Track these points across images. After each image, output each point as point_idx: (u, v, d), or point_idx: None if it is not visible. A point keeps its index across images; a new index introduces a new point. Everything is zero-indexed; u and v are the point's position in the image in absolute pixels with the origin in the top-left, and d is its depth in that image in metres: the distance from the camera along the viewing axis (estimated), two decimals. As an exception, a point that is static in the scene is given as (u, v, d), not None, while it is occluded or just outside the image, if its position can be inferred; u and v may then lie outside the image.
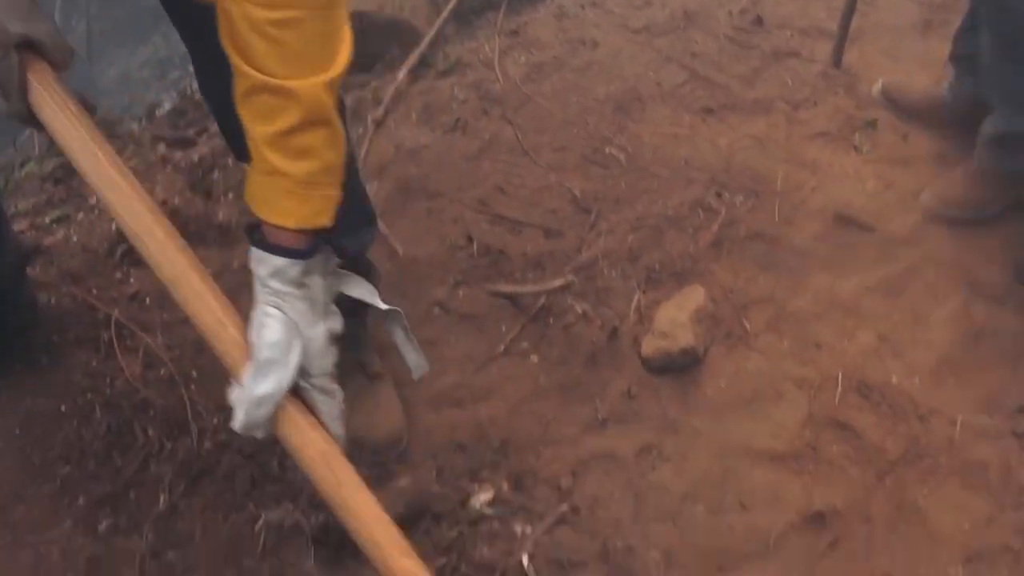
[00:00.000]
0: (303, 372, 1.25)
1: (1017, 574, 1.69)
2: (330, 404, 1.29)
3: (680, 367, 1.96)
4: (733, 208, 2.26)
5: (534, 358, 1.99)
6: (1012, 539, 1.73)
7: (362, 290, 1.40)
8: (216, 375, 1.92)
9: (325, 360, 1.28)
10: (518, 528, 1.73)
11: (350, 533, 1.27)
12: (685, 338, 1.93)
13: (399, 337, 1.44)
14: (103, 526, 1.69)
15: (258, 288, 1.25)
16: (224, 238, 2.16)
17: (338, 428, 1.29)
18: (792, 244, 2.22)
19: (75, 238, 2.14)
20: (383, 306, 1.39)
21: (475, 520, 1.73)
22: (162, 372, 1.92)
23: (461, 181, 2.29)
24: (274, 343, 1.22)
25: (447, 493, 1.76)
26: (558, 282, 2.02)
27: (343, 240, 1.66)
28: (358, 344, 1.87)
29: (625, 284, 2.09)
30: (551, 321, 2.03)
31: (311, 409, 1.28)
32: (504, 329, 2.03)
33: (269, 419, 1.24)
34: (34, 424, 1.82)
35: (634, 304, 2.05)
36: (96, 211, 2.20)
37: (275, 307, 1.24)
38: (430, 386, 1.93)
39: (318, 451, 1.25)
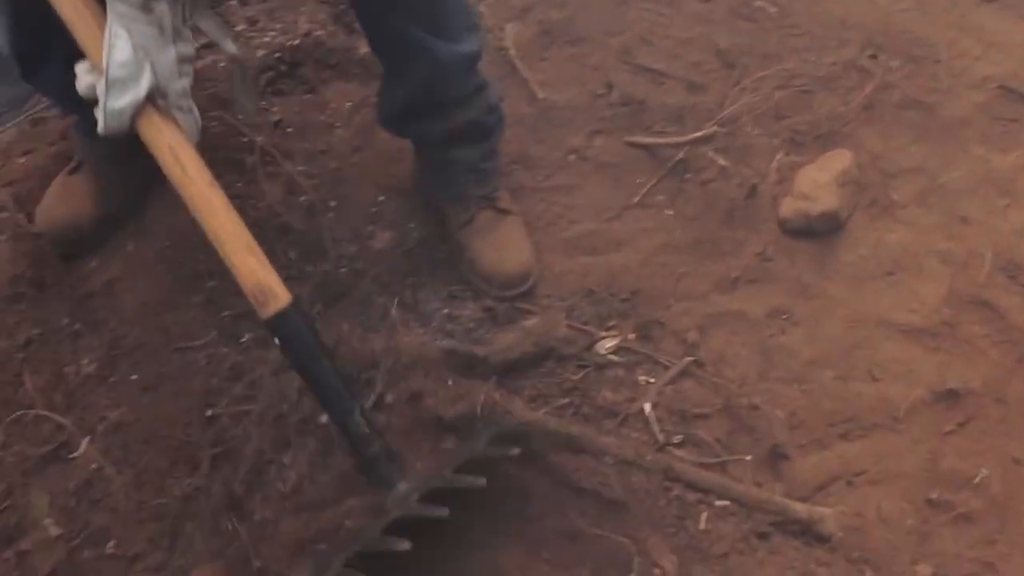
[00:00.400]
0: (159, 93, 1.32)
1: None
2: (188, 120, 1.37)
3: (819, 231, 1.90)
4: (888, 72, 2.15)
5: (669, 212, 1.96)
6: None
7: (214, 27, 1.44)
8: (355, 204, 1.98)
9: (178, 83, 1.34)
10: (641, 377, 1.74)
11: (201, 227, 1.36)
12: (827, 201, 1.87)
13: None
14: (246, 338, 1.77)
15: (108, 9, 1.28)
16: (365, 72, 2.16)
17: (194, 137, 1.38)
18: (949, 114, 2.10)
19: (222, 64, 2.17)
20: (232, 49, 1.45)
21: (600, 365, 1.75)
22: (302, 200, 1.96)
23: (605, 28, 2.22)
24: (123, 63, 1.28)
25: (574, 337, 1.78)
26: (700, 133, 1.97)
27: (447, 48, 1.67)
28: (487, 178, 1.88)
29: (768, 143, 2.02)
30: (688, 176, 1.99)
31: None
32: (640, 180, 2.00)
33: (127, 126, 1.32)
34: (183, 239, 1.89)
35: (775, 164, 1.98)
36: (242, 39, 2.23)
37: (124, 29, 1.28)
38: (562, 232, 1.93)
39: (168, 146, 1.33)
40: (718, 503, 1.54)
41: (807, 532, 1.51)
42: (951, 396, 1.71)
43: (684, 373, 1.74)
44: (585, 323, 1.81)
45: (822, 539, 1.51)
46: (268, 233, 1.88)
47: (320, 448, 1.56)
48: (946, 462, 1.65)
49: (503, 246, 1.85)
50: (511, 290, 1.84)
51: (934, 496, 1.61)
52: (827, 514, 1.50)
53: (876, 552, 1.52)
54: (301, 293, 1.81)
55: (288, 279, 1.81)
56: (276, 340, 1.37)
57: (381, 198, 1.98)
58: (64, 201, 1.92)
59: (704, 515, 1.52)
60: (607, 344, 1.78)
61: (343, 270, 1.87)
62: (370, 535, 1.32)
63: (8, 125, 2.24)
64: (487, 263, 1.84)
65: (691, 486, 1.55)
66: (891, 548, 1.54)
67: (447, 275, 1.88)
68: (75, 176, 1.93)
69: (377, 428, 1.41)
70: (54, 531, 1.59)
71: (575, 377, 1.73)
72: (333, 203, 1.96)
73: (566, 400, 1.70)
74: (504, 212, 1.89)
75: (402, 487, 1.39)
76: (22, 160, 2.08)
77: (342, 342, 1.67)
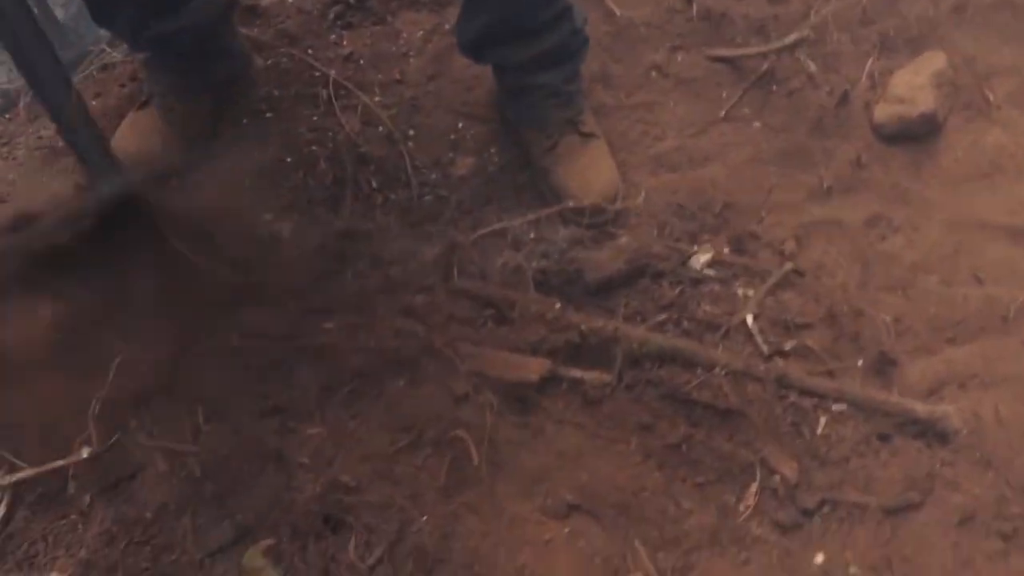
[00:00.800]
0: None
1: None
2: None
3: (915, 135, 1.84)
4: (979, -28, 2.07)
5: (756, 124, 1.91)
6: None
7: None
8: (433, 132, 1.95)
9: None
10: (739, 290, 1.70)
11: None
12: (925, 102, 1.81)
13: None
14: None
15: None
16: (435, 1, 2.12)
17: None
18: (1042, 13, 2.03)
19: (289, 0, 2.14)
20: None
21: (696, 281, 1.71)
22: (380, 130, 1.93)
23: (678, -58, 2.16)
24: None
25: (667, 253, 1.74)
26: (786, 40, 1.90)
27: None
28: (570, 101, 1.84)
29: (856, 49, 1.96)
30: (774, 87, 1.93)
31: None
32: (724, 95, 1.95)
33: None
34: (263, 174, 1.88)
35: (867, 69, 1.92)
36: (308, -28, 2.19)
37: None
38: (648, 149, 1.89)
39: None
40: (835, 408, 1.50)
41: (927, 433, 1.47)
42: (1060, 297, 1.66)
43: (783, 283, 1.69)
44: (677, 239, 1.76)
45: (943, 439, 1.46)
46: (348, 163, 1.87)
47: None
48: (1060, 362, 1.60)
49: (587, 169, 1.81)
50: (599, 214, 1.78)
51: (1050, 398, 1.57)
52: (950, 411, 1.46)
53: (995, 454, 1.48)
54: (387, 223, 1.80)
55: (372, 207, 1.83)
56: None
57: (460, 125, 1.95)
58: (134, 136, 1.90)
59: (822, 420, 1.49)
60: (701, 259, 1.74)
61: (427, 197, 1.84)
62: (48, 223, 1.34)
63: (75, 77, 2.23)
64: (572, 189, 1.80)
65: (806, 392, 1.51)
66: (1010, 450, 1.49)
67: (531, 200, 1.85)
68: (144, 111, 1.91)
69: (89, 118, 1.41)
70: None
71: (672, 293, 1.69)
72: (411, 132, 1.93)
73: (664, 316, 1.66)
74: (588, 136, 1.84)
75: (111, 180, 1.39)
76: (94, 102, 2.06)
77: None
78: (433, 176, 1.87)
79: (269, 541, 1.44)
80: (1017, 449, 1.49)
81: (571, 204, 1.78)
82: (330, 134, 1.91)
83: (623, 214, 1.80)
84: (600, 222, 1.79)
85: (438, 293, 1.60)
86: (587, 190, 1.79)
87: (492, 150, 1.92)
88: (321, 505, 1.42)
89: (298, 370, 1.57)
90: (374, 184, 1.84)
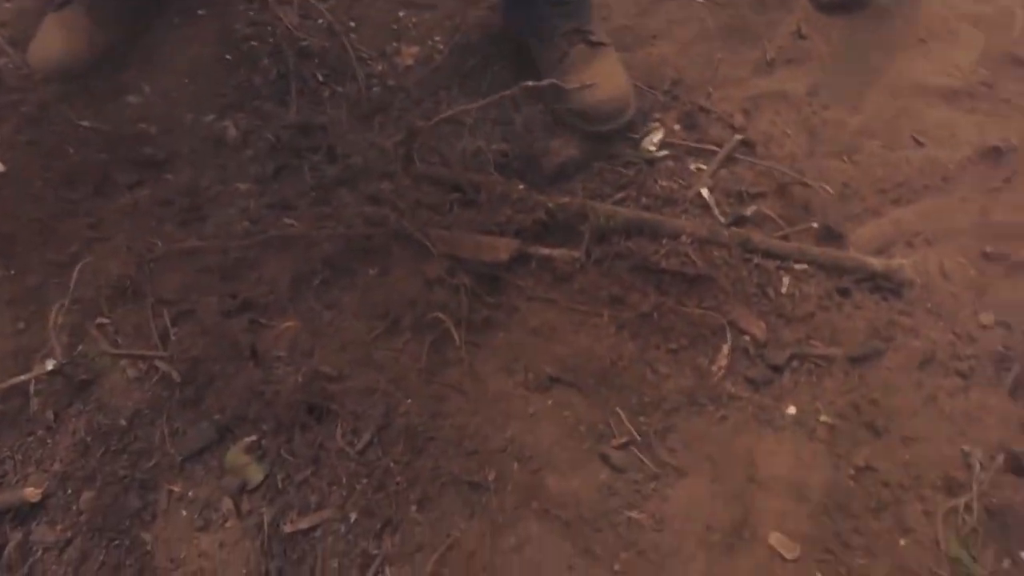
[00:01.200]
0: None
1: None
2: None
3: (851, 3, 1.88)
4: None
5: (700, 0, 1.92)
6: None
7: None
8: (375, 23, 1.90)
9: None
10: (693, 165, 1.73)
11: None
12: (862, -31, 1.85)
13: None
14: (269, 168, 1.70)
15: None
16: None
17: None
18: None
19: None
20: None
21: (650, 160, 1.73)
22: (320, 22, 1.88)
23: None
24: None
25: (620, 133, 1.75)
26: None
27: None
28: (577, 10, 1.77)
29: (791, -80, 1.97)
30: (714, -37, 1.95)
31: None
32: (667, -28, 1.95)
33: None
34: (203, 73, 1.81)
35: (802, -59, 1.94)
36: None
37: None
38: (594, 30, 1.88)
39: None
40: (797, 268, 1.55)
41: (883, 287, 1.53)
42: (994, 154, 1.73)
43: (734, 156, 1.73)
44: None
45: (898, 293, 1.53)
46: (290, 58, 1.81)
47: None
48: (996, 216, 1.68)
49: (597, 80, 1.72)
50: (607, 124, 1.73)
51: (989, 249, 1.64)
52: (904, 264, 1.53)
53: (943, 305, 1.56)
54: (338, 117, 1.76)
55: (320, 101, 1.79)
56: None
57: (401, 14, 1.91)
58: (58, 36, 1.80)
59: (786, 280, 1.54)
60: (654, 138, 1.76)
61: (375, 88, 1.81)
62: None
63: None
64: (582, 99, 1.72)
65: (769, 255, 1.55)
66: (956, 301, 1.57)
67: (477, 86, 1.83)
68: (66, 10, 1.82)
69: None
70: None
71: (628, 172, 1.71)
72: (352, 23, 1.89)
73: (622, 194, 1.68)
74: (597, 45, 1.77)
75: None
76: (8, 4, 1.95)
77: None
78: (379, 67, 1.84)
79: (251, 437, 1.44)
80: (961, 301, 1.57)
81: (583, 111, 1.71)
82: (269, 29, 1.85)
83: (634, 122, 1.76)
84: (611, 131, 1.73)
85: (402, 179, 1.58)
86: (597, 99, 1.71)
87: (436, 38, 1.89)
88: (303, 396, 1.42)
89: (264, 265, 1.55)
90: (319, 77, 1.80)
